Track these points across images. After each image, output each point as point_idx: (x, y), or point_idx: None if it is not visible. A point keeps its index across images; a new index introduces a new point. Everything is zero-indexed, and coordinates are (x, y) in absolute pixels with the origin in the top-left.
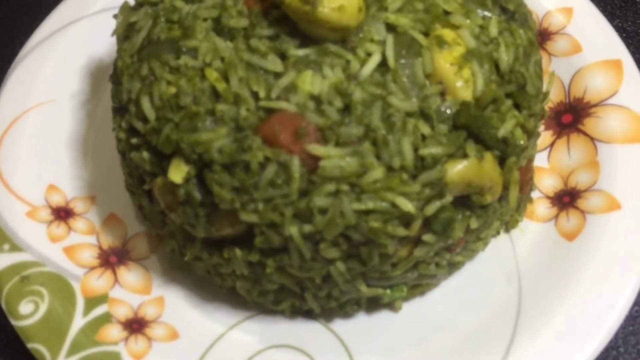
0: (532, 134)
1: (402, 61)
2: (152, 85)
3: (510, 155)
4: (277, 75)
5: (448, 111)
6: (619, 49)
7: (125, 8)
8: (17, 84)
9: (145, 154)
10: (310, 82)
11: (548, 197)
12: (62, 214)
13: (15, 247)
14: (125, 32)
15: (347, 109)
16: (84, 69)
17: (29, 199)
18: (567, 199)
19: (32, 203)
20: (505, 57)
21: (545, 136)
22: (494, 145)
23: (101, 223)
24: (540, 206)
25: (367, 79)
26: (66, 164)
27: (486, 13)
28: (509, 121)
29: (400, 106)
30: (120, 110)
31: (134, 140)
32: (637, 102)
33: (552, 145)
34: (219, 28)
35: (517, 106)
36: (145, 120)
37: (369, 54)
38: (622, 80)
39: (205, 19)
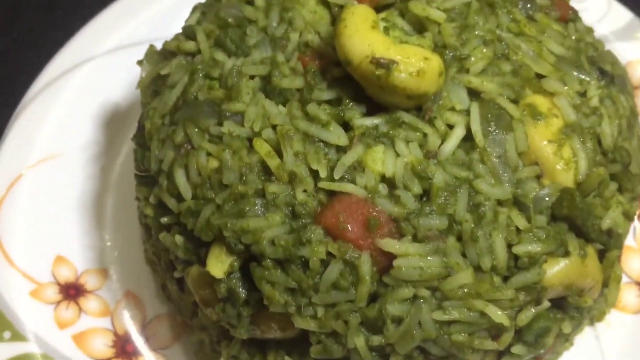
0: (632, 220)
1: (491, 137)
2: (189, 156)
3: (612, 248)
4: (340, 150)
5: (547, 199)
6: None
7: (151, 54)
8: (19, 135)
9: (179, 238)
10: (382, 161)
11: (638, 284)
12: (72, 291)
13: (17, 336)
14: (153, 86)
15: (426, 194)
16: (96, 117)
17: (34, 275)
18: None
19: (37, 279)
20: (609, 132)
21: None
22: (597, 238)
23: (116, 302)
24: (629, 294)
25: (450, 158)
26: (75, 231)
27: (583, 76)
28: (614, 209)
29: (491, 193)
30: (146, 179)
31: (165, 220)
32: None
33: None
34: (269, 88)
35: (618, 188)
36: (179, 197)
37: (450, 126)
38: None
39: (252, 77)
